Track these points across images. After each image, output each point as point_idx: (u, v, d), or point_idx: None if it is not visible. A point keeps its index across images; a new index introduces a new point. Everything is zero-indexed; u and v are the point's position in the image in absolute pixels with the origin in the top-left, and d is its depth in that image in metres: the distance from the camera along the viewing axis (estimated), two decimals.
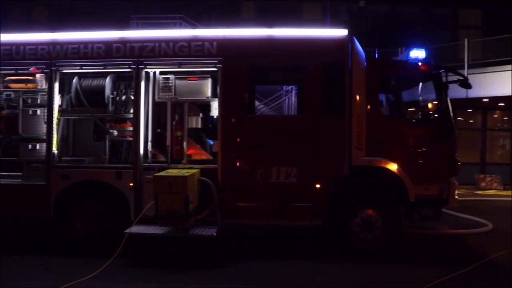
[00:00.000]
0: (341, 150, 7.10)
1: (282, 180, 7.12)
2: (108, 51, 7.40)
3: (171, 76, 7.47)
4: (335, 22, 18.85)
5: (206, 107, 7.63)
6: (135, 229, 6.87)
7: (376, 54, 9.50)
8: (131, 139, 7.41)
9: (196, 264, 6.94)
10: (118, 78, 7.77)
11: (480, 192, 17.16)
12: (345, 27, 7.30)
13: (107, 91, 7.58)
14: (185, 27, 7.89)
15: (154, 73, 7.59)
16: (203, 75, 7.54)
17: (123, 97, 7.60)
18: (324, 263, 7.02)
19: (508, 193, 17.11)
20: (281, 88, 10.63)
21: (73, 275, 6.08)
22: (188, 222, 6.73)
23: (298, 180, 7.11)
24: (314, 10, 21.22)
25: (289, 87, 9.95)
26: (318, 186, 7.13)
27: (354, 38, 7.26)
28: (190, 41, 7.32)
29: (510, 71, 16.05)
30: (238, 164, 7.17)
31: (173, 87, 7.43)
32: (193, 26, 8.17)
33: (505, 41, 16.59)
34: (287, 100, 10.25)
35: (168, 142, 7.43)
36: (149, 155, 7.46)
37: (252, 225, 8.63)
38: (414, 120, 8.14)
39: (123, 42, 7.39)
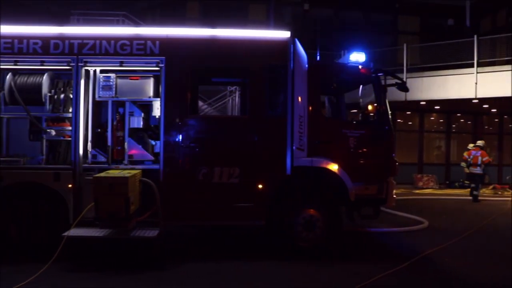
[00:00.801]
0: (283, 151, 7.18)
1: (224, 181, 7.11)
2: (45, 47, 7.10)
3: (112, 75, 7.30)
4: (280, 24, 19.09)
5: (148, 106, 7.52)
6: (74, 232, 6.64)
7: (319, 57, 9.66)
8: (70, 139, 7.17)
9: (138, 267, 6.80)
10: (56, 76, 7.50)
11: (417, 191, 17.89)
12: (288, 29, 7.38)
13: (44, 89, 7.29)
14: (128, 24, 7.74)
15: (95, 71, 7.38)
16: (145, 74, 7.43)
17: (62, 96, 7.34)
18: (266, 263, 7.07)
19: (443, 192, 17.96)
20: (225, 88, 10.64)
21: (7, 283, 5.79)
22: (129, 224, 6.60)
23: (241, 181, 7.12)
24: (259, 12, 21.36)
25: (233, 88, 9.97)
26: (260, 186, 7.17)
27: (297, 40, 7.36)
28: (132, 39, 7.17)
29: (446, 76, 16.83)
30: (180, 164, 7.11)
31: (114, 86, 7.27)
32: (136, 24, 8.03)
33: (441, 47, 17.33)
34: (230, 100, 10.28)
35: (109, 142, 7.25)
36: (89, 155, 7.25)
37: (195, 226, 8.60)
38: (354, 122, 8.35)
39: (62, 38, 7.13)
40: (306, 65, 7.58)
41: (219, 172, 7.11)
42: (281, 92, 7.26)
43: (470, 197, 15.40)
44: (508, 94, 15.66)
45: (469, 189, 16.55)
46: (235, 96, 9.77)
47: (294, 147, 7.18)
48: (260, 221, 7.28)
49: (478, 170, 15.59)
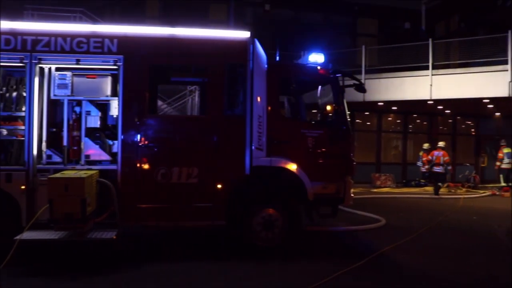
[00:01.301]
0: (242, 151, 7.19)
1: (183, 181, 7.05)
2: None
3: (68, 73, 7.13)
4: (240, 24, 19.11)
5: (106, 106, 7.37)
6: (27, 235, 6.42)
7: (278, 57, 9.71)
8: (23, 138, 6.94)
9: (95, 269, 6.65)
10: (8, 73, 7.24)
11: (375, 190, 18.26)
12: (248, 30, 7.40)
13: None
14: (85, 21, 7.57)
15: (50, 69, 7.19)
16: (103, 72, 7.28)
17: (14, 94, 7.11)
18: (226, 263, 7.06)
19: (400, 190, 18.40)
20: (185, 88, 10.56)
21: None
22: (85, 225, 6.46)
23: (200, 181, 7.09)
24: (220, 12, 21.31)
25: (193, 87, 9.91)
26: (219, 186, 7.16)
27: (256, 40, 7.39)
28: (89, 37, 7.01)
29: (403, 77, 17.25)
30: (138, 164, 7.00)
31: (70, 84, 7.09)
32: (94, 21, 7.87)
33: (398, 50, 17.75)
34: (190, 100, 10.21)
35: (65, 142, 7.06)
36: (44, 156, 7.05)
37: (154, 226, 8.48)
38: (313, 122, 8.43)
39: (14, 34, 6.87)
40: (266, 65, 7.63)
41: (178, 172, 7.06)
42: (240, 92, 7.27)
43: (433, 193, 16.78)
44: (460, 96, 16.21)
45: (424, 188, 17.85)
46: (195, 96, 9.70)
47: (253, 147, 7.20)
48: (219, 221, 7.26)
49: (440, 169, 16.95)
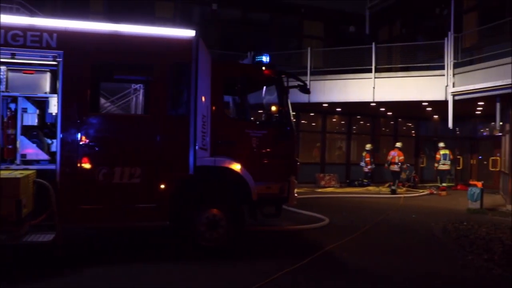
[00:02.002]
0: (186, 151, 7.09)
1: (125, 181, 6.88)
2: None
3: (3, 67, 6.79)
4: (187, 23, 18.91)
5: (44, 103, 7.06)
6: None
7: (224, 57, 9.70)
8: None
9: (34, 274, 6.35)
10: None
11: (319, 190, 18.56)
12: (194, 29, 7.32)
13: None
14: (23, 13, 7.24)
15: None
16: (41, 68, 6.99)
17: None
18: (171, 264, 6.96)
19: (344, 190, 18.82)
20: (129, 86, 10.32)
21: None
22: (21, 228, 6.19)
23: (142, 181, 6.94)
24: (166, 9, 20.99)
25: (137, 86, 9.71)
26: (162, 186, 7.04)
27: (201, 39, 7.33)
28: (26, 30, 6.67)
29: (347, 80, 17.64)
30: (79, 164, 6.77)
31: (4, 79, 6.77)
32: (33, 13, 7.54)
33: (343, 52, 18.14)
34: (134, 98, 9.99)
35: None
36: None
37: (96, 228, 8.26)
38: (257, 122, 8.45)
39: None
40: (210, 65, 7.59)
41: (120, 172, 6.88)
42: (184, 91, 7.15)
43: (389, 192, 18.10)
44: (401, 99, 16.78)
45: (367, 187, 18.77)
46: (139, 94, 9.51)
47: (197, 147, 7.11)
48: (163, 221, 7.15)
49: (396, 168, 18.37)
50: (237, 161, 7.48)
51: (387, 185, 20.01)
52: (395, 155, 18.42)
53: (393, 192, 17.85)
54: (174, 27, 7.51)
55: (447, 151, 19.03)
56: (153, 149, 7.06)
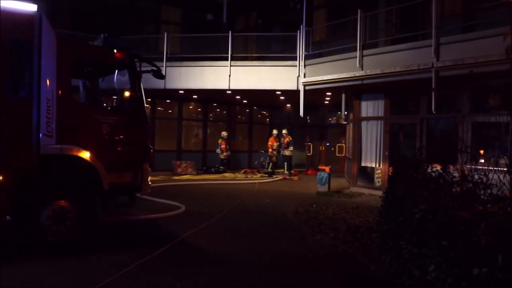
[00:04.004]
0: (28, 138, 6.38)
1: None
2: None
3: None
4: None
5: None
6: None
7: (76, 38, 9.01)
8: None
9: None
10: None
11: (176, 177, 18.43)
12: (34, 2, 6.62)
13: None
14: None
15: None
16: None
17: None
18: (11, 264, 6.23)
19: (201, 177, 18.95)
20: None
21: None
22: None
23: None
24: None
25: None
26: (1, 178, 6.28)
27: (44, 15, 6.60)
28: None
29: (203, 67, 17.66)
30: None
31: None
32: None
33: (200, 39, 18.10)
34: None
35: None
36: None
37: None
38: (108, 108, 8.00)
39: None
40: (56, 45, 6.97)
41: None
42: (25, 72, 6.42)
43: (266, 175, 20.06)
44: (256, 87, 17.30)
45: (223, 174, 19.13)
46: None
47: (41, 134, 6.46)
48: (3, 217, 6.47)
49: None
50: (87, 148, 7.00)
51: (242, 171, 20.64)
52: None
53: (270, 174, 20.04)
54: (12, 0, 6.67)
55: (290, 138, 20.25)
56: None
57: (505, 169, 4.58)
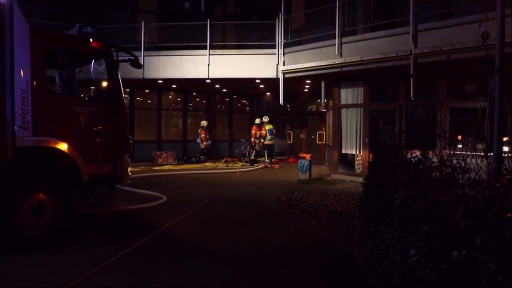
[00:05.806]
0: (3, 131, 6.21)
1: None
2: None
3: None
4: None
5: None
6: None
7: (49, 28, 8.80)
8: None
9: None
10: None
11: (157, 168, 18.30)
12: None
13: None
14: None
15: None
16: None
17: None
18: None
19: (182, 167, 18.85)
20: None
21: None
22: None
23: None
24: None
25: None
26: None
27: (16, 4, 6.41)
28: None
29: (182, 56, 17.50)
30: None
31: None
32: None
33: (178, 28, 17.89)
34: None
35: None
36: None
37: None
38: (86, 98, 7.88)
39: None
40: (29, 35, 6.80)
41: None
42: None
43: (247, 164, 20.10)
44: (235, 76, 17.21)
45: (204, 164, 19.05)
46: None
47: (16, 126, 6.32)
48: None
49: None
50: (64, 140, 6.88)
51: (223, 160, 20.61)
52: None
53: (252, 162, 20.08)
54: None
55: (271, 126, 20.21)
56: None
57: (482, 153, 4.66)
